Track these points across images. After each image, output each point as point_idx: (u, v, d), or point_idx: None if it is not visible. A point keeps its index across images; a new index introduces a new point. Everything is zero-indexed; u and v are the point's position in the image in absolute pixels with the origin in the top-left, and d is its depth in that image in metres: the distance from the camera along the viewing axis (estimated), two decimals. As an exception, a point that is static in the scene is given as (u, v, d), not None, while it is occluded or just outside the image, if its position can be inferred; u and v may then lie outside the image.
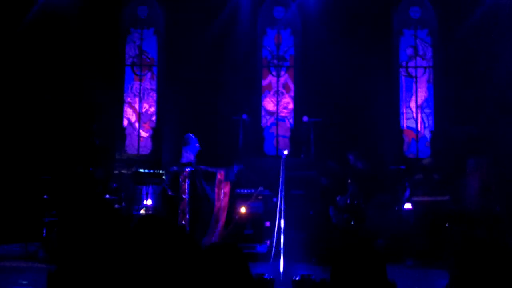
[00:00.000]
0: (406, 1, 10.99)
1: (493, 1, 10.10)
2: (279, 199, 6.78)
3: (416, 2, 11.00)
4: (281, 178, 6.82)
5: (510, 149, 8.73)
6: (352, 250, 2.50)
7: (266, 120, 11.01)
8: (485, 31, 10.02)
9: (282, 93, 11.07)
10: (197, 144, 7.75)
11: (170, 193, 8.30)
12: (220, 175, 7.74)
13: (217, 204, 7.71)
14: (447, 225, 7.67)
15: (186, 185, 7.56)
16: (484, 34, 10.01)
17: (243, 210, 8.08)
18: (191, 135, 7.82)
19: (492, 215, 7.47)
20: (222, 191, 7.74)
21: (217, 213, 7.70)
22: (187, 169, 7.55)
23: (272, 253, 7.06)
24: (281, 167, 6.84)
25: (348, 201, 8.16)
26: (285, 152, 7.06)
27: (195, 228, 7.49)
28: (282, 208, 6.69)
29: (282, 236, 6.60)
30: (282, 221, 6.66)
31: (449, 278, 2.55)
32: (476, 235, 6.77)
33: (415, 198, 8.21)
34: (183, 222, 7.44)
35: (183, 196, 7.57)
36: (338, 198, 8.33)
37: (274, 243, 7.03)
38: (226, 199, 7.79)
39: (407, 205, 8.27)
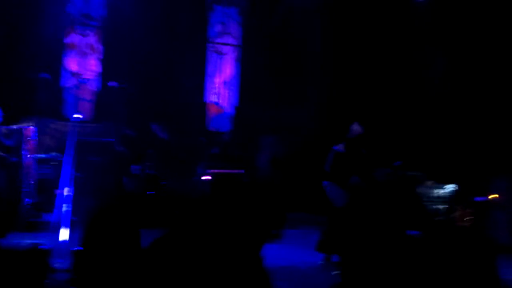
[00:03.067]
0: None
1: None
2: (71, 165, 6.51)
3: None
4: (74, 143, 6.56)
5: (298, 128, 9.46)
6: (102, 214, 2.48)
7: (68, 81, 10.35)
8: (298, 15, 10.53)
9: (88, 54, 10.48)
10: None
11: None
12: (26, 132, 7.32)
13: (27, 164, 7.46)
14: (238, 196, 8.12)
15: None
16: (296, 19, 10.56)
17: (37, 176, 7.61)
18: None
19: (277, 186, 8.11)
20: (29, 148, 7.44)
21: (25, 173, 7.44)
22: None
23: (61, 223, 6.75)
24: (75, 131, 6.58)
25: (146, 171, 8.14)
26: (80, 116, 6.83)
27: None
28: (74, 175, 6.45)
29: (71, 205, 6.36)
30: (73, 189, 6.42)
31: None
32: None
33: (212, 170, 8.52)
34: None
35: None
36: (134, 167, 8.27)
37: (64, 212, 6.73)
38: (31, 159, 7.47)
39: (205, 176, 8.53)
